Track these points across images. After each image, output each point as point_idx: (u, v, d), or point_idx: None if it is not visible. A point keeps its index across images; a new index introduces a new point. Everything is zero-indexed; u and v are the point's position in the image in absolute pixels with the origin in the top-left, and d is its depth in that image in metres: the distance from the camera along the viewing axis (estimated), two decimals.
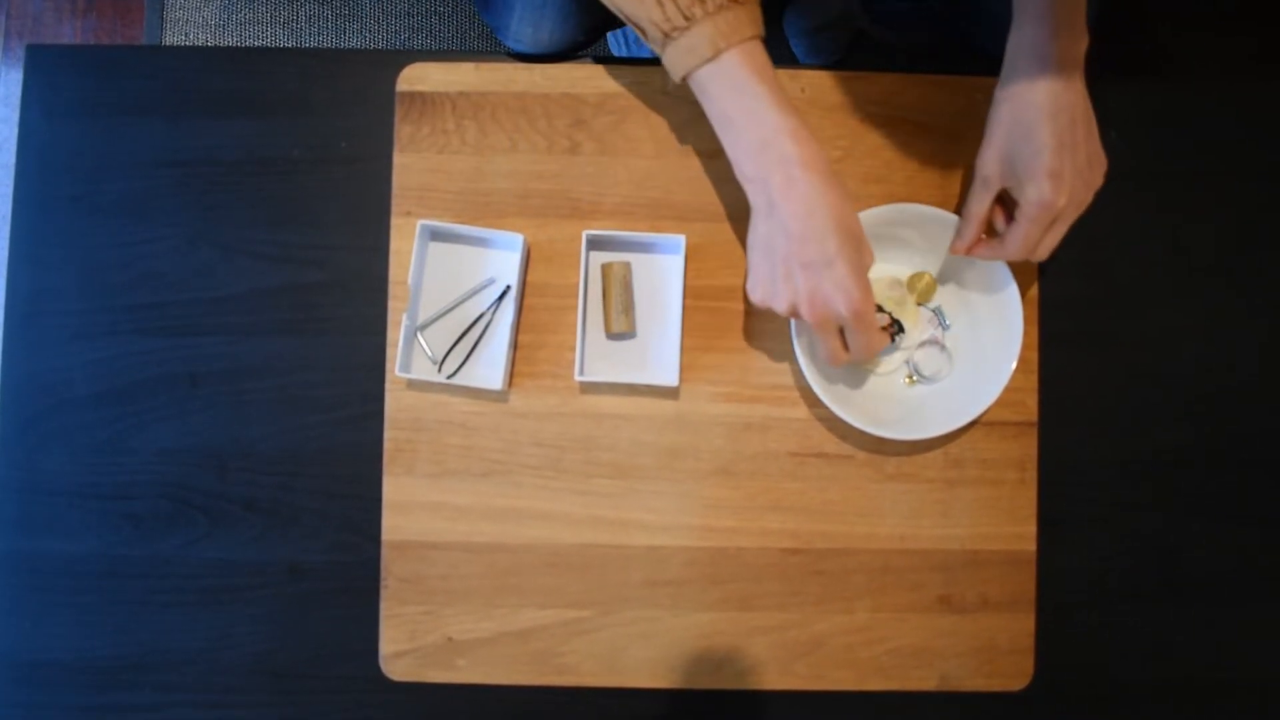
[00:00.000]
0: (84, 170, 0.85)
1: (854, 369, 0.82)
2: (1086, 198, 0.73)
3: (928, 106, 0.84)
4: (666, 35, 0.69)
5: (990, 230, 0.78)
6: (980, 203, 0.76)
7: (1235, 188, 0.86)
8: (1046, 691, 0.82)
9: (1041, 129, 0.70)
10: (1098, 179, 0.73)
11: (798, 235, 0.68)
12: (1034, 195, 0.70)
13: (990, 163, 0.74)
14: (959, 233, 0.78)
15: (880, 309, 0.80)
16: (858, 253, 0.69)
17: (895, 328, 0.81)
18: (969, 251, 0.78)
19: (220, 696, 0.82)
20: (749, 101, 0.69)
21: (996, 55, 0.73)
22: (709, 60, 0.68)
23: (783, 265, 0.70)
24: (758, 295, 0.73)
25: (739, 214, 0.83)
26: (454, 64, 0.84)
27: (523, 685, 0.82)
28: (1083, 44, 0.70)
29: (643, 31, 0.71)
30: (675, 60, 0.70)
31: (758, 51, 0.69)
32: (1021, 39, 0.71)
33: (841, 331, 0.73)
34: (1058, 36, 0.69)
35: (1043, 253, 0.75)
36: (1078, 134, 0.70)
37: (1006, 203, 0.77)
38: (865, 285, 0.70)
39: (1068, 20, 0.69)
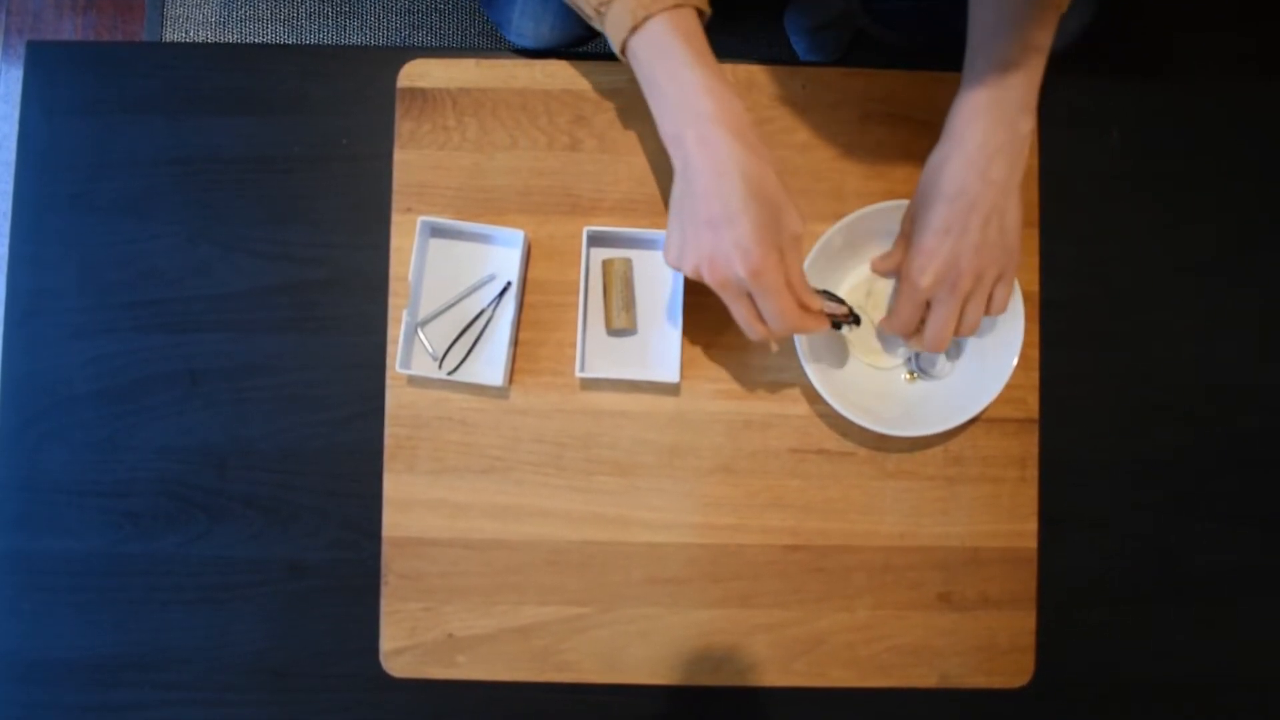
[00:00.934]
0: (84, 168, 0.85)
1: (855, 364, 0.82)
2: (966, 285, 0.72)
3: (928, 104, 0.84)
4: (598, 11, 0.69)
5: None
6: (894, 256, 0.77)
7: (1235, 186, 0.86)
8: (1047, 689, 0.82)
9: (934, 207, 0.71)
10: (989, 267, 0.72)
11: (703, 192, 0.66)
12: (905, 269, 0.73)
13: (905, 219, 0.76)
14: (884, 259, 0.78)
15: (835, 296, 0.76)
16: (768, 213, 0.66)
17: (851, 319, 0.76)
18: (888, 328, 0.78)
19: (221, 694, 0.82)
20: (670, 63, 0.68)
21: None
22: (635, 29, 0.68)
23: (690, 225, 0.68)
24: (670, 257, 0.71)
25: None
26: (455, 60, 0.84)
27: (523, 682, 0.82)
28: (1023, 125, 0.70)
29: (584, 15, 0.71)
30: (611, 35, 0.70)
31: (685, 17, 0.68)
32: (958, 105, 0.71)
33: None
34: (987, 115, 0.69)
35: (932, 336, 0.74)
36: (971, 221, 0.70)
37: None
38: (769, 247, 0.66)
39: (1004, 100, 0.69)
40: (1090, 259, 0.85)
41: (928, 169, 0.72)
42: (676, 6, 0.67)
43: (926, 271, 0.71)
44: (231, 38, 1.53)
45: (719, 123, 0.66)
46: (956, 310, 0.73)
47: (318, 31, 1.54)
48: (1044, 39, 0.69)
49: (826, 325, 0.72)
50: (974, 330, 0.74)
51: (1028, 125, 0.70)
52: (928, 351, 0.77)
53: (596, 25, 0.72)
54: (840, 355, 0.82)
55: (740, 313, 0.70)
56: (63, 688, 0.83)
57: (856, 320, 0.77)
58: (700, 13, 0.69)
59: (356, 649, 0.82)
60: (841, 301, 0.76)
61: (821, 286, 0.77)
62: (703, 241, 0.67)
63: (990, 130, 0.69)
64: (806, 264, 0.78)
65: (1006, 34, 0.69)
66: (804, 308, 0.70)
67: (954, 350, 0.82)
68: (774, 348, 0.82)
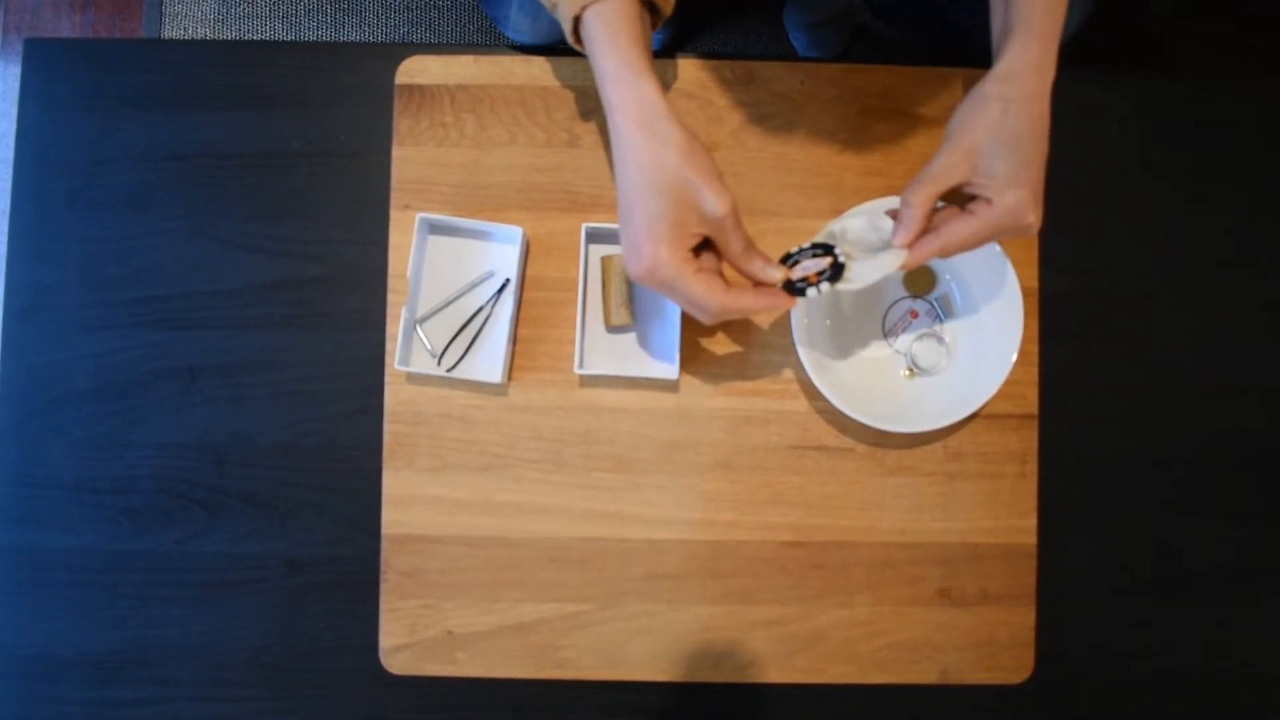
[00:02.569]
0: (82, 164, 0.85)
1: (854, 360, 0.82)
2: (1030, 222, 0.69)
3: (927, 99, 0.84)
4: (553, 5, 0.69)
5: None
6: (927, 191, 0.68)
7: (1236, 180, 0.86)
8: (1047, 685, 0.82)
9: (1031, 142, 0.68)
10: (1034, 220, 0.69)
11: (617, 187, 0.67)
12: (1013, 202, 0.67)
13: (954, 160, 0.68)
14: (902, 226, 0.69)
15: (825, 247, 0.69)
16: (667, 203, 0.64)
17: (828, 275, 0.69)
18: (912, 246, 0.69)
19: (220, 690, 0.82)
20: (595, 51, 0.67)
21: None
22: (577, 20, 0.67)
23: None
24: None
25: (739, 205, 0.83)
26: (453, 57, 0.84)
27: (523, 679, 0.82)
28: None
29: (547, 8, 0.71)
30: (564, 29, 0.69)
31: (619, 7, 0.66)
32: (1027, 53, 0.69)
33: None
34: (1049, 68, 0.69)
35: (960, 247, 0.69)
36: (1040, 162, 0.69)
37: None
38: (659, 241, 0.64)
39: (1053, 50, 0.69)
40: (1090, 253, 0.85)
41: (1005, 95, 0.68)
42: None
43: (1039, 208, 0.68)
44: (230, 34, 1.53)
45: (620, 111, 0.65)
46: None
47: (316, 28, 1.54)
48: None
49: (774, 301, 0.68)
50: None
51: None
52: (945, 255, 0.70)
53: (556, 18, 0.71)
54: (839, 349, 0.82)
55: (678, 302, 0.69)
56: (63, 683, 0.83)
57: (836, 275, 0.69)
58: (650, 6, 0.68)
59: (356, 645, 0.82)
60: (830, 249, 0.69)
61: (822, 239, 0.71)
62: (622, 238, 0.67)
63: (1049, 77, 0.69)
64: None
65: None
66: (756, 285, 0.68)
67: (945, 346, 0.82)
68: (761, 323, 0.80)
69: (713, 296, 0.66)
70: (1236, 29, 1.51)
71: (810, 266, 0.69)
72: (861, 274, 0.69)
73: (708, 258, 0.69)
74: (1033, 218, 0.67)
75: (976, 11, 0.85)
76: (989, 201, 0.67)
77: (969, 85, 0.82)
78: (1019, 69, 0.68)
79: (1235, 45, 1.52)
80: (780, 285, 0.69)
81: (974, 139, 0.67)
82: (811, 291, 0.68)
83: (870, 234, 0.70)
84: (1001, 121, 0.67)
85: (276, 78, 0.85)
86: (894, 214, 0.70)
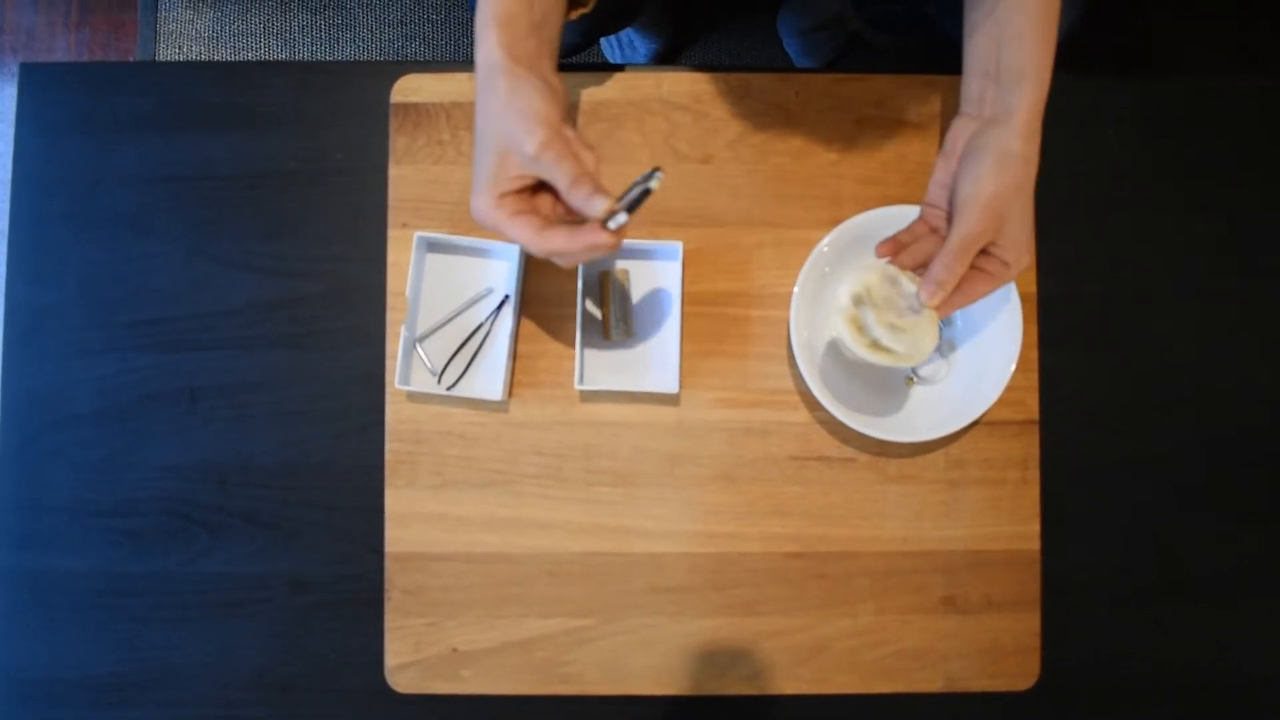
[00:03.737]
0: (80, 186, 0.85)
1: (849, 367, 0.82)
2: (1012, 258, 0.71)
3: (921, 108, 0.84)
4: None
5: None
6: (966, 264, 0.70)
7: (1232, 183, 0.86)
8: (1053, 691, 0.82)
9: (1033, 200, 0.70)
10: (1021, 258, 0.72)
11: None
12: (1026, 265, 0.71)
13: (994, 215, 0.69)
14: (938, 291, 0.70)
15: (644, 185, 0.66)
16: (491, 151, 0.65)
17: (633, 194, 0.65)
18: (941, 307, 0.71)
19: (224, 711, 0.82)
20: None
21: None
22: None
23: None
24: None
25: (735, 219, 0.83)
26: (448, 74, 0.84)
27: (527, 695, 0.82)
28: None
29: None
30: None
31: None
32: (1038, 107, 0.70)
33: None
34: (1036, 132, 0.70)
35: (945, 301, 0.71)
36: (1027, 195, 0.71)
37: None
38: (479, 190, 0.66)
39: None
40: (1088, 258, 0.85)
41: (985, 142, 0.70)
42: None
43: (1028, 254, 0.71)
44: (225, 52, 1.53)
45: (477, 73, 0.66)
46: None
47: (311, 44, 1.54)
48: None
49: (589, 240, 0.64)
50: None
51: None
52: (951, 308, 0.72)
53: None
54: (839, 359, 0.82)
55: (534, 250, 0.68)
56: (67, 706, 0.83)
57: (640, 200, 0.65)
58: None
59: (360, 664, 0.82)
60: (649, 176, 0.65)
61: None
62: None
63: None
64: (805, 269, 0.79)
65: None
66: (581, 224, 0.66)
67: (946, 348, 0.82)
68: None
69: (527, 238, 0.65)
70: (1232, 31, 1.52)
71: (635, 192, 0.65)
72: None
73: (543, 198, 0.68)
74: (1026, 262, 0.72)
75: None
76: (1006, 264, 0.70)
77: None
78: (1038, 125, 0.69)
79: (1232, 47, 1.52)
80: (603, 220, 0.64)
81: (1004, 201, 0.68)
82: (612, 222, 0.64)
83: (890, 289, 0.72)
84: (1025, 183, 0.69)
85: (272, 98, 0.86)
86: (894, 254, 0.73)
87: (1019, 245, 0.70)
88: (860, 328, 0.72)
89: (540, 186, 0.67)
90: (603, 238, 0.64)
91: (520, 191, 0.66)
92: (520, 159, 0.64)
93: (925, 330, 0.71)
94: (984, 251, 0.70)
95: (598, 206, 0.64)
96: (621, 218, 0.64)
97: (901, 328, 0.71)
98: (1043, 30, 0.69)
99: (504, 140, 0.64)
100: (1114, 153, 0.86)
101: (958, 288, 0.70)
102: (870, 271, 0.72)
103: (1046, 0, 0.69)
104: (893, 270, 0.72)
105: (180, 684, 0.82)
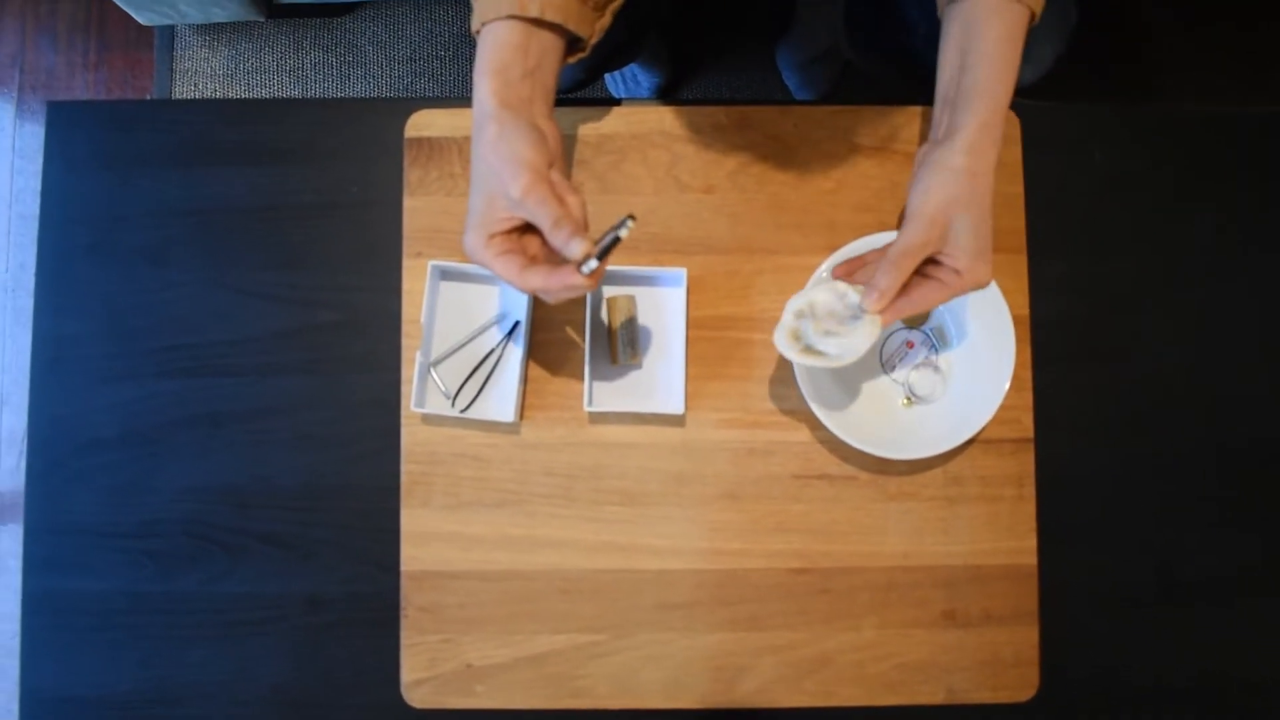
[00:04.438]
0: (104, 220, 0.88)
1: (853, 392, 0.85)
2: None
3: (912, 137, 0.87)
4: (476, 24, 0.71)
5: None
6: (907, 272, 0.71)
7: (1216, 201, 0.89)
8: (1053, 702, 0.84)
9: (990, 213, 0.71)
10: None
11: None
12: (981, 272, 0.71)
13: (937, 226, 0.71)
14: (879, 298, 0.71)
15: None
16: (484, 195, 0.69)
17: (606, 240, 0.69)
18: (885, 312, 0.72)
19: None
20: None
21: None
22: (477, 35, 0.71)
23: None
24: None
25: (737, 245, 0.86)
26: (459, 110, 0.88)
27: (540, 709, 0.83)
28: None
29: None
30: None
31: (507, 32, 0.68)
32: (992, 126, 0.71)
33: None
34: (1000, 140, 0.71)
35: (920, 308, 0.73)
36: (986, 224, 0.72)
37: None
38: (471, 229, 0.69)
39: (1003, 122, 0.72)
40: (1078, 277, 0.88)
41: (941, 164, 0.71)
42: (504, 18, 0.68)
43: (990, 273, 0.71)
44: (239, 89, 1.57)
45: (474, 120, 0.69)
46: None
47: (323, 81, 1.58)
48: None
49: (565, 281, 0.68)
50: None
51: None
52: (902, 317, 0.74)
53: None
54: (839, 380, 0.85)
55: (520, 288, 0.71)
56: None
57: (611, 246, 0.69)
58: (538, 23, 0.69)
59: (376, 681, 0.84)
60: (621, 224, 0.69)
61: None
62: None
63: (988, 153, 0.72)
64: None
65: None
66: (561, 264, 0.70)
67: (941, 375, 0.85)
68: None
69: (510, 275, 0.69)
70: (1219, 51, 1.56)
71: (609, 238, 0.69)
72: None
73: (531, 238, 0.71)
74: (989, 279, 0.72)
75: None
76: (958, 272, 0.71)
77: None
78: (985, 142, 0.71)
79: (1217, 73, 1.56)
80: (581, 262, 0.68)
81: (946, 213, 0.70)
82: (584, 266, 0.68)
83: (838, 303, 0.75)
84: (970, 196, 0.70)
85: (288, 134, 0.89)
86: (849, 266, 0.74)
87: (969, 253, 0.70)
88: (797, 337, 0.75)
89: (529, 227, 0.71)
90: (578, 279, 0.68)
91: (509, 232, 0.70)
92: (507, 202, 0.68)
93: (862, 334, 0.73)
94: (935, 261, 0.72)
95: (576, 249, 0.68)
96: (592, 263, 0.68)
97: (837, 332, 0.74)
98: (1001, 58, 0.71)
99: (492, 183, 0.68)
100: (1101, 176, 0.89)
101: (905, 294, 0.71)
102: (819, 288, 0.75)
103: (1009, 34, 0.70)
104: (841, 285, 0.75)
105: (199, 701, 0.84)
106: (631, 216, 0.69)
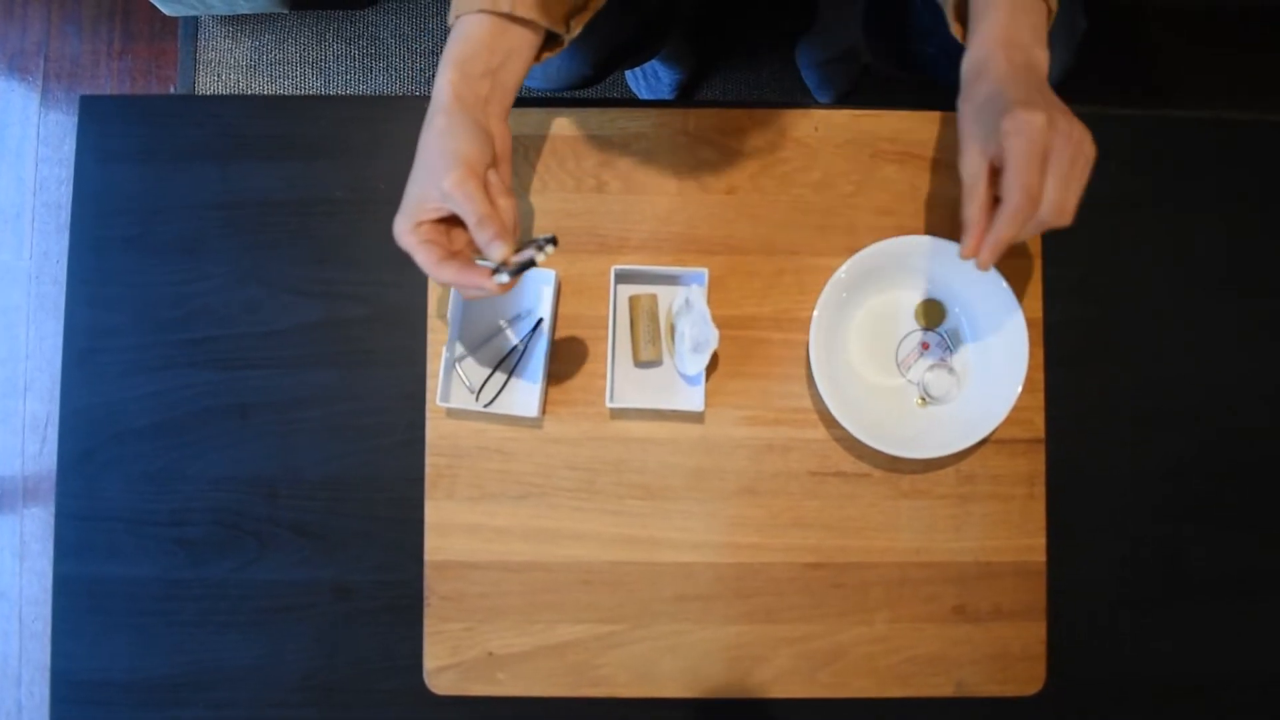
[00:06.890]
0: (137, 213, 0.89)
1: (865, 388, 0.86)
2: (1073, 132, 0.67)
3: (933, 142, 0.88)
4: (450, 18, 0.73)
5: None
6: (976, 203, 0.69)
7: (1228, 208, 0.90)
8: (1059, 696, 0.86)
9: (1008, 90, 0.68)
10: (1085, 132, 0.68)
11: None
12: (1011, 126, 0.65)
13: (973, 159, 0.69)
14: (965, 238, 0.71)
15: (552, 241, 0.71)
16: (414, 184, 0.71)
17: (524, 257, 0.70)
18: (979, 251, 0.70)
19: (271, 712, 0.86)
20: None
21: None
22: (451, 28, 0.72)
23: None
24: None
25: (758, 246, 0.88)
26: None
27: (560, 697, 0.86)
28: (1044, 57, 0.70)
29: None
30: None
31: (479, 23, 0.70)
32: (978, 47, 0.71)
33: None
34: (1015, 44, 0.70)
35: (1050, 206, 0.67)
36: (1047, 93, 0.68)
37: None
38: (402, 216, 0.71)
39: (1028, 38, 0.70)
40: (1091, 282, 0.89)
41: (970, 96, 0.71)
42: (477, 12, 0.70)
43: (1036, 110, 0.65)
44: (262, 81, 1.57)
45: (429, 109, 0.71)
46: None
47: (345, 73, 1.59)
48: None
49: (475, 280, 0.69)
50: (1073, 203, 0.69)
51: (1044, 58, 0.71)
52: (1058, 224, 0.69)
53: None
54: (855, 380, 0.87)
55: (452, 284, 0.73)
56: (121, 707, 0.86)
57: (525, 266, 0.70)
58: (510, 18, 0.70)
59: (401, 667, 0.86)
60: (552, 241, 0.71)
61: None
62: None
63: (1022, 52, 0.70)
64: (824, 295, 0.83)
65: None
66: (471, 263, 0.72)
67: (955, 376, 0.87)
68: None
69: (426, 264, 0.71)
70: (1230, 60, 1.56)
71: (526, 255, 0.70)
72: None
73: (459, 233, 0.73)
74: (1041, 119, 0.65)
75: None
76: (1005, 161, 0.66)
77: None
78: (980, 63, 0.70)
79: (1222, 79, 1.57)
80: (497, 264, 0.70)
81: (973, 141, 0.69)
82: (497, 277, 0.69)
83: (702, 326, 0.81)
84: (975, 109, 0.70)
85: (318, 129, 0.90)
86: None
87: (1017, 113, 0.66)
88: (672, 333, 0.84)
89: (458, 221, 0.72)
90: (488, 284, 0.70)
91: (436, 222, 0.72)
92: (437, 193, 0.69)
93: (699, 359, 0.82)
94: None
95: (496, 252, 0.69)
96: (504, 277, 0.70)
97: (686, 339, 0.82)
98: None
99: (427, 174, 0.70)
100: (1115, 182, 0.90)
101: (993, 225, 0.69)
102: (695, 306, 0.82)
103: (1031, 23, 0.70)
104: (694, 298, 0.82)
105: (229, 686, 0.86)
106: (553, 240, 0.71)
